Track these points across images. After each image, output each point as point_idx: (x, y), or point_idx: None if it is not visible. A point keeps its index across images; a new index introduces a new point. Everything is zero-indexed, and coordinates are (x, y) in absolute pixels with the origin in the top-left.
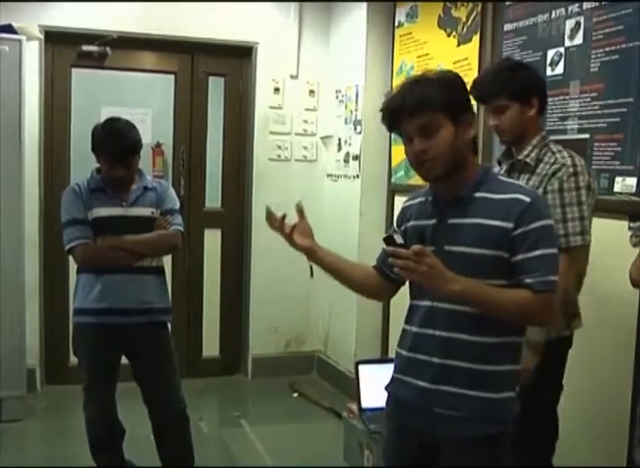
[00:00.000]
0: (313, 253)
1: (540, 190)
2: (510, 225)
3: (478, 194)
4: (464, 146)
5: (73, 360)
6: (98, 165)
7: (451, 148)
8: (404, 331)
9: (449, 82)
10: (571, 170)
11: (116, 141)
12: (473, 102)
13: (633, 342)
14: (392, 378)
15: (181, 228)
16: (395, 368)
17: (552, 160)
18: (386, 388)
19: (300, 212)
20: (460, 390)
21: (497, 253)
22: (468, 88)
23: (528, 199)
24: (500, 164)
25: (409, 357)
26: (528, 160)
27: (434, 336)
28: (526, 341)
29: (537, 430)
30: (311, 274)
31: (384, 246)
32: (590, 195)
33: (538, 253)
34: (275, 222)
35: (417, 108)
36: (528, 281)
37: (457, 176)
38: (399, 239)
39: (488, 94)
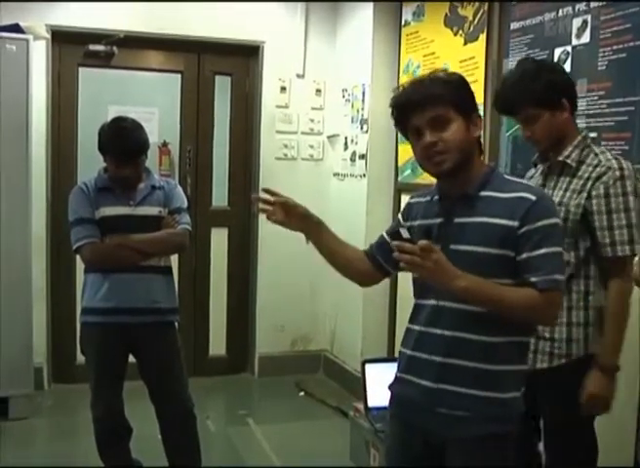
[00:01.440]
0: (310, 234)
1: (584, 195)
2: (516, 224)
3: (484, 193)
4: (472, 144)
5: (80, 358)
6: (105, 164)
7: (462, 142)
8: (408, 330)
9: (456, 81)
10: (617, 173)
11: (122, 141)
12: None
13: (639, 343)
14: (396, 377)
15: (189, 227)
16: (399, 367)
17: (595, 162)
18: (390, 387)
19: (270, 193)
20: (464, 389)
21: (502, 252)
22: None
23: (534, 197)
24: (535, 166)
25: (412, 356)
26: (569, 161)
27: (438, 335)
28: (600, 365)
29: (575, 447)
30: (307, 240)
31: (389, 239)
32: (638, 201)
33: (542, 251)
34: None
35: (427, 101)
36: (532, 279)
37: (463, 175)
38: (405, 233)
39: (512, 106)
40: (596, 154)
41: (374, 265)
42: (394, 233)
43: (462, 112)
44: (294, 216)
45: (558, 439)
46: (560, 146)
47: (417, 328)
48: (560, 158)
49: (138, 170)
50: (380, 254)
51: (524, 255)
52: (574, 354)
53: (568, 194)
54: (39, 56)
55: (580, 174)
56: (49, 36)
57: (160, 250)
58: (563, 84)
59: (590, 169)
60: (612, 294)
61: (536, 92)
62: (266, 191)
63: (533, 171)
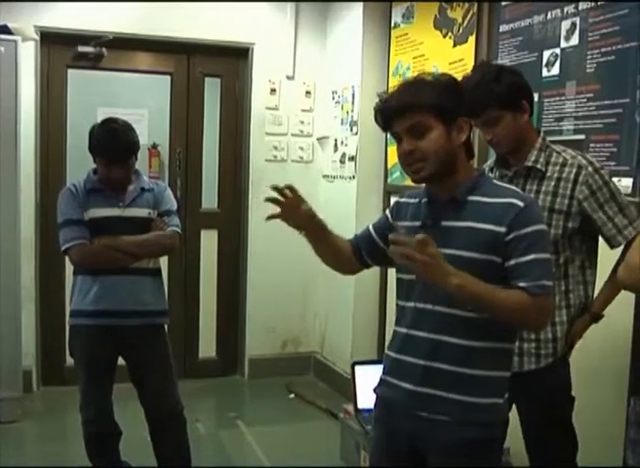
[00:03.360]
0: (308, 234)
1: (567, 201)
2: (503, 229)
3: (472, 197)
4: (456, 149)
5: (69, 361)
6: (94, 165)
7: (440, 150)
8: (395, 332)
9: (443, 85)
10: (590, 168)
11: (113, 142)
12: None
13: (629, 344)
14: (380, 380)
15: (179, 229)
16: (383, 369)
17: (561, 160)
18: (375, 390)
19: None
20: (445, 393)
21: (488, 258)
22: None
23: (522, 203)
24: (491, 171)
25: (396, 358)
26: (538, 165)
27: (422, 338)
28: (593, 314)
29: (562, 445)
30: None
31: (374, 234)
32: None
33: (531, 257)
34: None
35: (405, 109)
36: (523, 284)
37: (449, 179)
38: (401, 229)
39: (474, 108)
40: (558, 153)
41: (356, 256)
42: (390, 229)
43: (444, 118)
44: (298, 215)
45: (542, 436)
46: (520, 150)
47: (402, 330)
48: (529, 163)
49: (128, 171)
50: (363, 246)
51: (512, 262)
52: (559, 352)
53: (541, 196)
54: (28, 57)
55: (548, 175)
56: (37, 37)
57: (149, 252)
58: (523, 86)
59: (558, 168)
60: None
61: (499, 93)
62: (289, 189)
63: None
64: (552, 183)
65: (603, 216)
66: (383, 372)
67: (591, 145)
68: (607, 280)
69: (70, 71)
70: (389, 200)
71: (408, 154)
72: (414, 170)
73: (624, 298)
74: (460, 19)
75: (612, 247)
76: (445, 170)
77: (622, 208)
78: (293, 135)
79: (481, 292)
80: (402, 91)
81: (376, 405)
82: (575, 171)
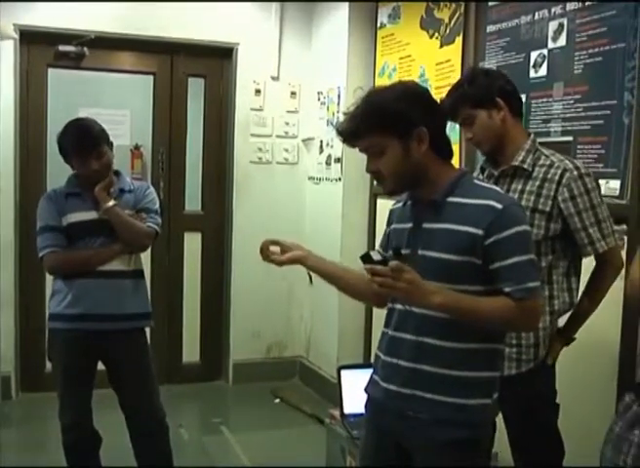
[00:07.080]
0: (306, 261)
1: (549, 202)
2: (481, 232)
3: (450, 199)
4: (420, 160)
5: (49, 367)
6: (74, 171)
7: (399, 167)
8: (382, 333)
9: (395, 99)
10: (575, 173)
11: (80, 135)
12: None
13: (617, 350)
14: (370, 379)
15: (157, 228)
16: (373, 369)
17: (548, 162)
18: (365, 389)
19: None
20: (430, 395)
21: (467, 259)
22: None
23: (500, 206)
24: (482, 171)
25: (383, 360)
26: (525, 166)
27: (405, 340)
28: (567, 339)
29: (547, 451)
30: (310, 281)
31: (362, 264)
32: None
33: (513, 260)
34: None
35: (352, 137)
36: (507, 289)
37: (424, 185)
38: (376, 255)
39: (451, 110)
40: (547, 156)
41: None
42: (365, 256)
43: (398, 133)
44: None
45: (525, 441)
46: (504, 149)
47: (388, 332)
48: (516, 163)
49: (103, 159)
50: None
51: (495, 265)
52: (540, 357)
53: (525, 196)
54: (7, 56)
55: (534, 175)
56: (17, 36)
57: (126, 229)
58: (499, 85)
59: (544, 169)
60: (598, 285)
61: (468, 93)
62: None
63: (480, 175)
64: (537, 184)
65: (578, 223)
66: (373, 372)
67: (579, 147)
68: (579, 302)
69: (51, 71)
70: (376, 202)
71: (372, 173)
72: (381, 185)
73: (614, 303)
74: (446, 20)
75: (582, 255)
76: (412, 182)
77: (600, 220)
78: (278, 136)
79: (464, 307)
80: (351, 116)
81: (366, 405)
82: (559, 173)
